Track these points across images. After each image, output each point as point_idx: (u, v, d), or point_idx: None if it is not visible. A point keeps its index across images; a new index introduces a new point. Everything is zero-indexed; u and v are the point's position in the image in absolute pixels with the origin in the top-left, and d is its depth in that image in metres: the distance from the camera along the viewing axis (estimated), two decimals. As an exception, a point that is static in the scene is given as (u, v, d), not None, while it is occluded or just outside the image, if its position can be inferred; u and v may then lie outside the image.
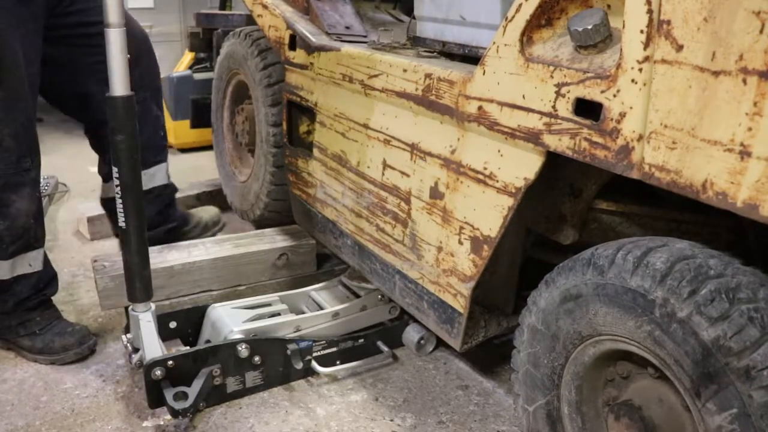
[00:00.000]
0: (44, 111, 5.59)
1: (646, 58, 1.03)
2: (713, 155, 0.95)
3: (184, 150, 4.39)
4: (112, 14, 1.53)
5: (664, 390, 1.13)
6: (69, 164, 3.99)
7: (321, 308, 2.08)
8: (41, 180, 1.96)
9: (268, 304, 2.07)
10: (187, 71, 4.08)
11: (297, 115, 2.30)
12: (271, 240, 2.50)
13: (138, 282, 1.71)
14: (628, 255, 1.10)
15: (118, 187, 1.63)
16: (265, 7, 2.36)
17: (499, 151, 1.39)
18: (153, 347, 1.73)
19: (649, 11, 1.02)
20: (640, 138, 1.06)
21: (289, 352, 1.84)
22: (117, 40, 1.55)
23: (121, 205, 1.65)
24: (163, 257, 2.30)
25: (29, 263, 1.97)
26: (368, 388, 1.89)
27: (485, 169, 1.43)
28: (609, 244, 1.17)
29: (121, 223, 1.66)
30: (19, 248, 1.93)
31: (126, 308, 1.83)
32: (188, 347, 1.97)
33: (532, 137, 1.28)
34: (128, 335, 1.81)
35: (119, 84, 1.58)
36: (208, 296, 2.32)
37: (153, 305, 1.77)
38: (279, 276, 2.46)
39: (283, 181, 2.46)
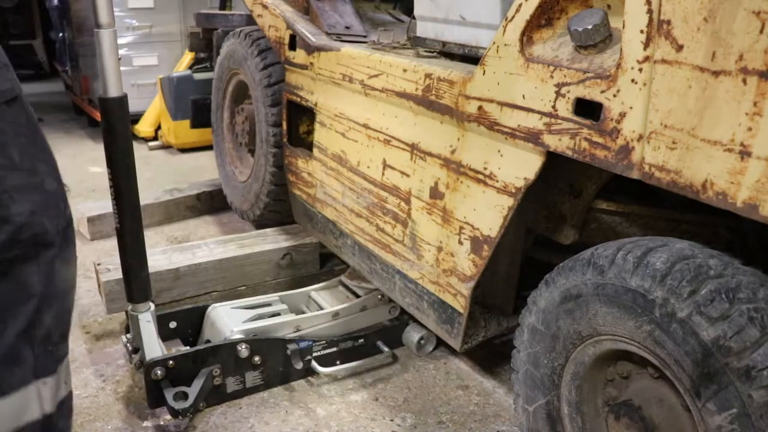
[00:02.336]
0: (44, 111, 5.61)
1: (646, 58, 1.03)
2: (713, 155, 0.95)
3: (184, 150, 4.39)
4: (103, 15, 1.51)
5: (664, 390, 1.13)
6: (69, 164, 3.99)
7: (321, 308, 2.08)
8: None
9: (268, 304, 2.07)
10: (187, 71, 4.08)
11: (297, 115, 2.30)
12: (275, 240, 2.50)
13: (135, 283, 1.71)
14: (628, 255, 1.10)
15: (112, 189, 1.63)
16: (265, 7, 2.36)
17: (499, 151, 1.38)
18: (153, 347, 1.73)
19: (649, 11, 1.02)
20: (640, 138, 1.06)
21: (289, 352, 1.84)
22: (108, 41, 1.53)
23: (115, 207, 1.64)
24: (168, 259, 2.30)
25: None
26: (368, 388, 1.89)
27: (485, 169, 1.43)
28: (609, 244, 1.17)
29: (117, 225, 1.66)
30: None
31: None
32: (188, 347, 1.97)
33: (532, 137, 1.28)
34: (128, 335, 1.81)
35: (112, 85, 1.56)
36: (209, 296, 2.32)
37: (152, 305, 1.77)
38: (282, 276, 2.46)
39: (283, 181, 2.46)
